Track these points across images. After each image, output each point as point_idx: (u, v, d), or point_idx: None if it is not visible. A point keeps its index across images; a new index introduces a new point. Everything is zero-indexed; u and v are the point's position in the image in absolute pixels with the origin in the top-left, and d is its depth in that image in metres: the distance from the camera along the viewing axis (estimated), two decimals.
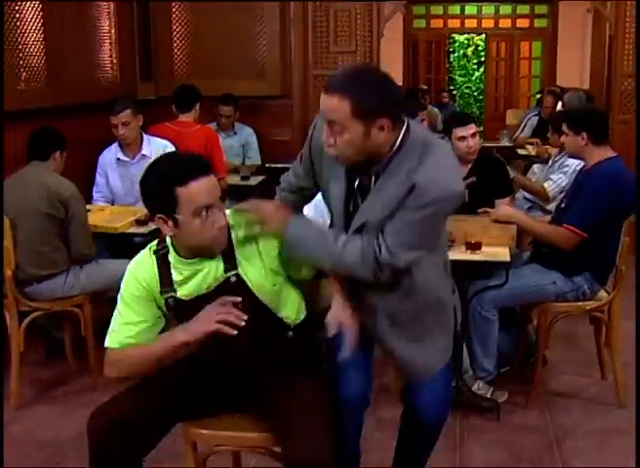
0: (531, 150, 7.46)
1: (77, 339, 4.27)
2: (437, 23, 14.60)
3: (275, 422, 2.45)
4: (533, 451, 3.53)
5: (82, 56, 5.80)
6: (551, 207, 5.15)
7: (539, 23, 14.02)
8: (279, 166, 6.51)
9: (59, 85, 5.40)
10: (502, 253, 3.66)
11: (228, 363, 2.54)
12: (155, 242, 2.52)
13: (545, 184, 5.32)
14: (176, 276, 2.44)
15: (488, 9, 14.35)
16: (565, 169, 5.18)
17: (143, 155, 4.88)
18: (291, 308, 2.57)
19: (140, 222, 4.37)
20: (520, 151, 7.94)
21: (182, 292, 2.44)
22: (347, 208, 2.46)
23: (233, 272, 2.42)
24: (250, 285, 2.44)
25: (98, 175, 5.05)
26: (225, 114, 6.32)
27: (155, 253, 2.48)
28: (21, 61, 5.03)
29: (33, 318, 4.01)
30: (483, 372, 3.86)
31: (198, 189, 2.28)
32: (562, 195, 4.49)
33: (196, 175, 2.29)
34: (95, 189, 5.07)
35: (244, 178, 6.02)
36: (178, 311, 2.46)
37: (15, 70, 4.96)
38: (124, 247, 4.68)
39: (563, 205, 3.93)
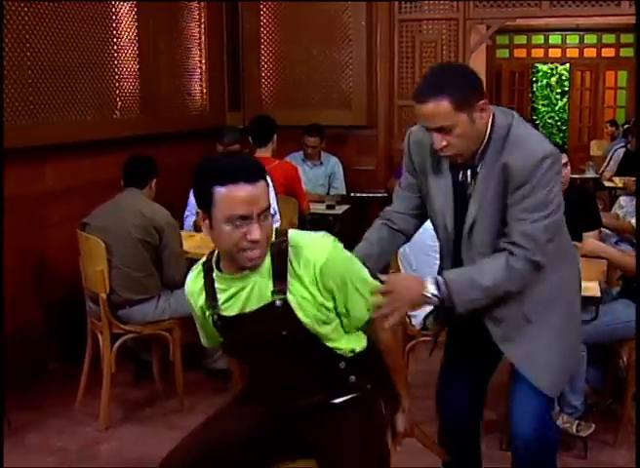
0: (617, 182, 7.35)
1: (165, 362, 4.37)
2: (521, 53, 14.51)
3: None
4: None
5: (174, 85, 6.00)
6: None
7: (624, 53, 13.80)
8: (364, 195, 6.58)
9: (151, 114, 5.60)
10: (592, 289, 3.54)
11: (281, 399, 2.41)
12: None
13: (633, 220, 5.22)
14: (219, 294, 2.28)
15: (572, 38, 14.20)
16: None
17: None
18: (346, 342, 2.34)
19: None
20: (606, 183, 7.82)
21: (226, 312, 2.28)
22: (456, 210, 2.47)
23: (280, 296, 2.19)
24: (297, 312, 2.20)
25: (188, 212, 5.03)
26: (312, 145, 6.36)
27: (204, 264, 2.35)
28: (117, 91, 5.23)
29: (124, 340, 4.12)
30: (570, 409, 3.78)
31: (235, 196, 2.05)
32: None
33: (237, 179, 2.05)
34: (186, 219, 5.02)
35: (329, 207, 6.07)
36: (222, 327, 2.34)
37: (111, 100, 5.15)
38: None
39: None
